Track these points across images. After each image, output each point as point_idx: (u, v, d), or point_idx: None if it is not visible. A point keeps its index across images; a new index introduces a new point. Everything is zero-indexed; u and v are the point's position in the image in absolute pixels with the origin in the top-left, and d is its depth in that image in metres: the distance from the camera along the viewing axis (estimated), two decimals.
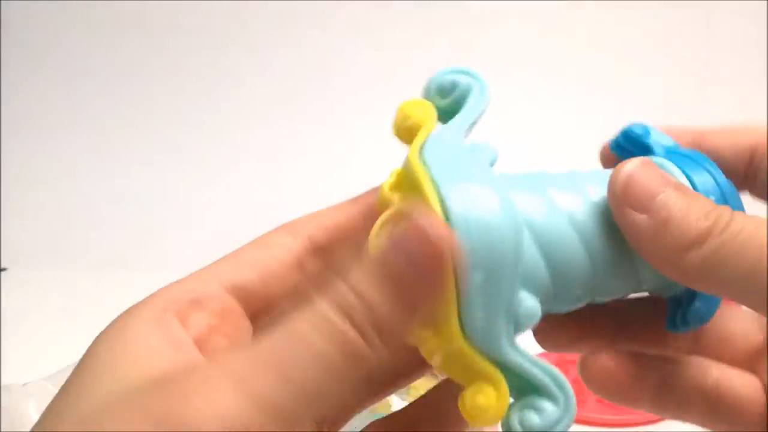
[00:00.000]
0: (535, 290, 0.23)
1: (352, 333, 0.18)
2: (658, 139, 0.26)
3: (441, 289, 0.20)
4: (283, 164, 1.00)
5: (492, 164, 0.24)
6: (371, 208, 0.26)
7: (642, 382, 0.26)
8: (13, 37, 1.05)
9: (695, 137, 0.28)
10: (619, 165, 0.23)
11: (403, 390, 0.44)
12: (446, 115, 0.25)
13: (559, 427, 0.22)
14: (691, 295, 0.25)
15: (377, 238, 0.21)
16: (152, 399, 0.18)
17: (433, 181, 0.22)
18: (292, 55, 1.02)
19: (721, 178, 0.25)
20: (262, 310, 0.24)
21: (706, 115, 1.03)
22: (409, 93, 0.97)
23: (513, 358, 0.22)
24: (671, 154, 0.26)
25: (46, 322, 0.82)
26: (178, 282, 0.24)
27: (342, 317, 0.18)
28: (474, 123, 0.25)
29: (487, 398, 0.21)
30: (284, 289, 0.25)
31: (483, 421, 0.21)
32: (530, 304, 0.22)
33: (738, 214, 0.23)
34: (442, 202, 0.22)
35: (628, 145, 0.27)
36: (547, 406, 0.22)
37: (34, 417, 0.46)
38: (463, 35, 1.03)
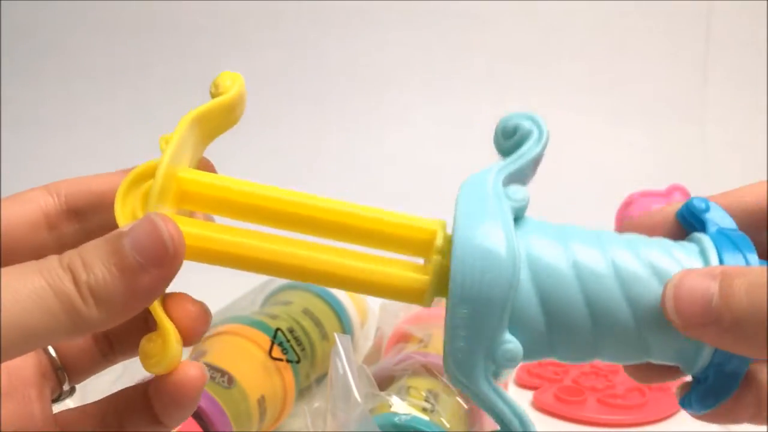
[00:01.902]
0: (525, 335, 0.24)
1: (70, 286, 0.21)
2: (716, 216, 0.27)
3: (159, 281, 0.22)
4: (283, 164, 1.00)
5: (518, 211, 0.25)
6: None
7: (741, 401, 0.25)
8: (13, 37, 1.05)
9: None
10: (663, 292, 0.23)
11: (403, 390, 0.44)
12: (508, 155, 0.27)
13: None
14: (703, 378, 0.25)
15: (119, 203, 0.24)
16: None
17: (454, 210, 0.24)
18: (291, 55, 1.02)
19: (755, 261, 0.25)
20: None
21: (706, 114, 1.03)
22: (408, 93, 0.96)
23: (485, 392, 0.24)
24: (719, 234, 0.26)
25: None
26: None
27: (65, 272, 0.21)
28: (526, 165, 0.26)
29: (153, 346, 0.23)
30: (24, 243, 0.26)
31: (149, 365, 0.23)
32: (511, 347, 0.24)
33: None
34: (453, 233, 0.24)
35: (689, 216, 0.27)
36: None
37: None
38: (462, 35, 1.03)
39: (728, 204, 0.28)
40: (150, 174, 0.24)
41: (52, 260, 0.21)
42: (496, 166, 0.26)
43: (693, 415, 0.26)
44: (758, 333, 0.21)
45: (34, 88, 1.06)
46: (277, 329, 0.52)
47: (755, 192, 0.28)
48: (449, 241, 0.25)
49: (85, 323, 0.21)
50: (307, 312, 0.57)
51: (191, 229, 0.24)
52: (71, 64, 1.05)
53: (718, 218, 0.27)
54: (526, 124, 0.27)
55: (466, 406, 0.45)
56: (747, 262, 0.25)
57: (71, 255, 0.22)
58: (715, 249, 0.25)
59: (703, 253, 0.25)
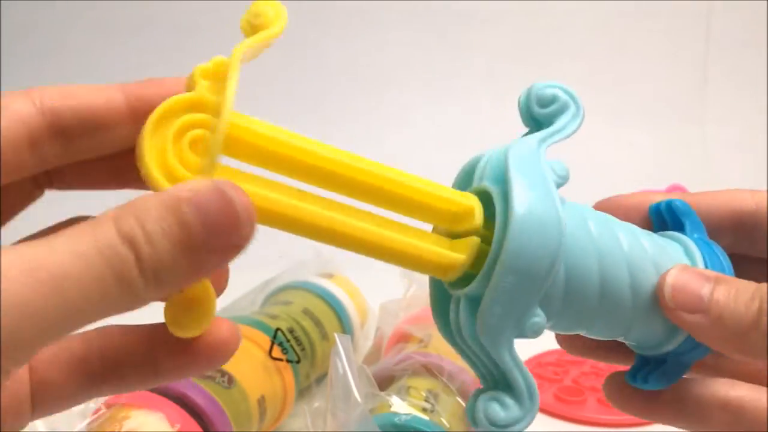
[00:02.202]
0: (546, 309, 0.24)
1: (132, 267, 0.18)
2: (693, 222, 0.28)
3: (226, 258, 0.20)
4: None
5: (559, 186, 0.25)
6: (137, 96, 0.23)
7: (660, 399, 0.28)
8: (13, 37, 1.05)
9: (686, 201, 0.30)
10: (662, 275, 0.26)
11: (403, 390, 0.44)
12: (537, 123, 0.27)
13: (516, 427, 0.24)
14: (661, 361, 0.28)
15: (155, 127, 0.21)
16: None
17: (508, 177, 0.24)
18: (291, 55, 1.02)
19: (730, 268, 0.27)
20: None
21: (706, 114, 1.03)
22: (408, 94, 0.95)
23: (504, 357, 0.24)
24: (702, 242, 0.28)
25: None
26: None
27: (130, 250, 0.18)
28: (562, 140, 0.26)
29: (190, 314, 0.21)
30: (8, 165, 0.22)
31: (180, 331, 0.21)
32: (540, 321, 0.24)
33: None
34: (509, 200, 0.23)
35: (667, 214, 0.29)
36: (513, 404, 0.24)
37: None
38: (461, 34, 1.03)
39: (694, 205, 0.29)
40: (181, 108, 0.21)
41: (109, 229, 0.19)
42: (536, 136, 0.26)
43: (615, 404, 0.29)
44: (735, 332, 0.25)
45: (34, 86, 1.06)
46: (277, 329, 0.52)
47: (722, 197, 0.30)
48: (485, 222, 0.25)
49: (139, 301, 0.19)
50: (307, 312, 0.57)
51: (253, 189, 0.21)
52: (71, 64, 1.05)
53: (695, 224, 0.28)
54: (564, 96, 0.26)
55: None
56: (720, 262, 0.27)
57: (131, 224, 0.19)
58: (701, 255, 0.27)
59: (688, 254, 0.27)
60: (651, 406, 0.28)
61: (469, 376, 0.46)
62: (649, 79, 1.02)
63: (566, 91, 0.27)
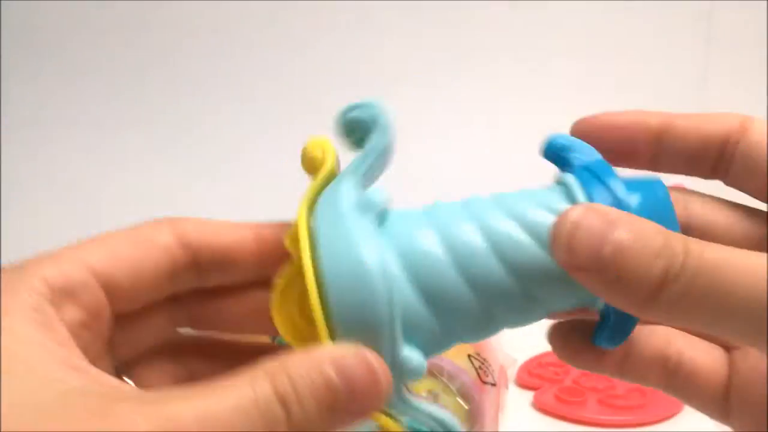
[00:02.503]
0: (420, 339, 0.23)
1: (283, 422, 0.20)
2: (580, 152, 0.26)
3: (363, 419, 0.22)
4: (283, 165, 1.00)
5: (382, 213, 0.24)
6: (265, 239, 0.27)
7: (608, 353, 0.27)
8: (13, 37, 1.05)
9: (664, 120, 0.27)
10: (561, 217, 0.22)
11: None
12: (359, 147, 0.25)
13: None
14: (607, 316, 0.25)
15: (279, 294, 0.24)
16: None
17: (313, 248, 0.23)
18: (291, 56, 1.02)
19: (623, 194, 0.24)
20: (124, 306, 0.25)
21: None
22: (409, 93, 0.94)
23: (402, 410, 0.23)
24: (582, 170, 0.25)
25: None
26: (49, 259, 0.24)
27: (282, 409, 0.20)
28: (377, 159, 0.24)
29: None
30: (142, 298, 0.25)
31: None
32: (415, 363, 0.23)
33: (692, 241, 0.21)
34: (318, 273, 0.22)
35: (552, 154, 0.26)
36: None
37: None
38: (458, 34, 1.03)
39: (687, 131, 0.27)
40: (293, 276, 0.24)
41: (266, 385, 0.20)
42: (346, 170, 0.24)
43: (561, 357, 0.27)
44: (639, 295, 0.21)
45: (34, 88, 1.06)
46: None
47: (719, 121, 0.27)
48: None
49: None
50: None
51: None
52: (71, 64, 1.05)
53: (584, 152, 0.25)
54: (365, 114, 0.25)
55: (466, 407, 0.45)
56: (614, 194, 0.24)
57: (284, 383, 0.20)
58: (582, 188, 0.24)
59: (569, 195, 0.24)
60: (599, 360, 0.27)
61: (469, 377, 0.46)
62: (649, 79, 1.02)
63: (368, 108, 0.25)
